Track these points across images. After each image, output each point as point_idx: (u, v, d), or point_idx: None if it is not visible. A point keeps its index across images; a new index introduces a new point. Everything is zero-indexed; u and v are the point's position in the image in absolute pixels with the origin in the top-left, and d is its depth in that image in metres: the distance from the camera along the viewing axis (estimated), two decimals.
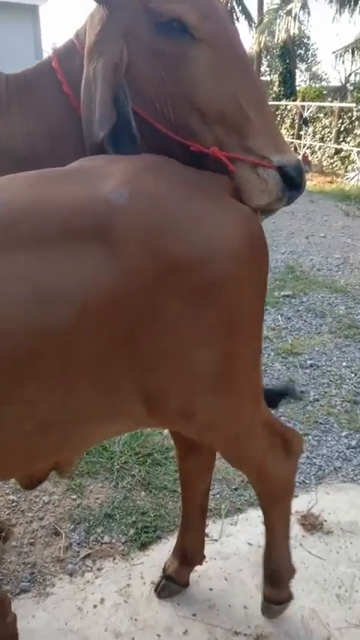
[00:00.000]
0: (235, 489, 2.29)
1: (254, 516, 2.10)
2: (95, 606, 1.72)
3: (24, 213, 0.97)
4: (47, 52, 11.67)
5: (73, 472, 1.40)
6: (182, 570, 1.74)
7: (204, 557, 1.77)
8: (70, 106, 1.28)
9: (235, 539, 1.99)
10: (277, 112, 15.65)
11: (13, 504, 2.17)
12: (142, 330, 1.02)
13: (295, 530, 2.03)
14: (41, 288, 0.94)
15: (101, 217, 0.97)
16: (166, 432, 2.60)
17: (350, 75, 23.26)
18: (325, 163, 13.56)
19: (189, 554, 1.74)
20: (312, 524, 2.05)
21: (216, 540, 2.00)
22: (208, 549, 1.92)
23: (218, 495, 2.24)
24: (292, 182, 1.20)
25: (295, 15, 15.62)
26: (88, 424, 1.12)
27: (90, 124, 1.21)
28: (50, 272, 0.95)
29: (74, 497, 2.22)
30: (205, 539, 1.92)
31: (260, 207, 1.21)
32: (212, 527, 2.05)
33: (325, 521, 2.09)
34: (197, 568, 1.79)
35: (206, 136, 1.23)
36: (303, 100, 16.51)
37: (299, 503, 2.17)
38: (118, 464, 2.39)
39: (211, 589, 1.79)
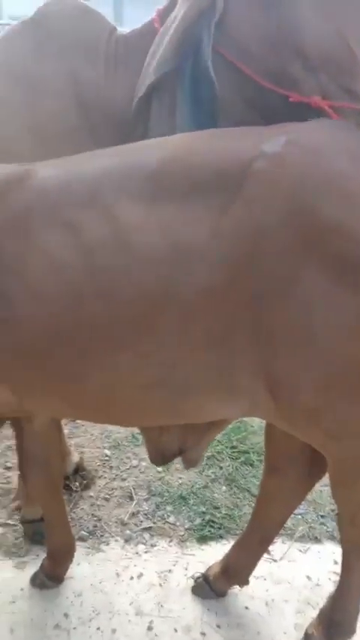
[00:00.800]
0: (322, 516, 2.10)
1: (328, 552, 1.91)
2: (132, 578, 1.77)
3: (173, 167, 0.96)
4: None
5: (198, 465, 1.44)
6: (221, 581, 1.68)
7: (247, 582, 1.68)
8: None
9: (296, 568, 1.84)
10: None
11: (105, 458, 2.33)
12: (276, 301, 0.92)
13: None
14: (178, 241, 0.93)
15: (246, 165, 0.91)
16: None
17: None
18: None
19: (233, 571, 1.66)
20: None
21: (275, 561, 1.87)
22: (264, 567, 1.82)
23: (300, 516, 2.08)
24: None
25: None
26: (200, 393, 1.07)
27: (157, 59, 1.17)
28: (188, 225, 0.93)
29: (160, 470, 2.28)
30: (265, 555, 1.83)
31: None
32: (278, 547, 1.93)
33: None
34: None
35: (308, 84, 1.13)
36: None
37: None
38: (211, 451, 2.37)
39: (247, 608, 1.70)
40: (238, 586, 1.70)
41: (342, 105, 1.12)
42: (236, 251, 0.91)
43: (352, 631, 1.48)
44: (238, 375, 1.01)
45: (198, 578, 1.74)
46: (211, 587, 1.68)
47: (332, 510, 2.09)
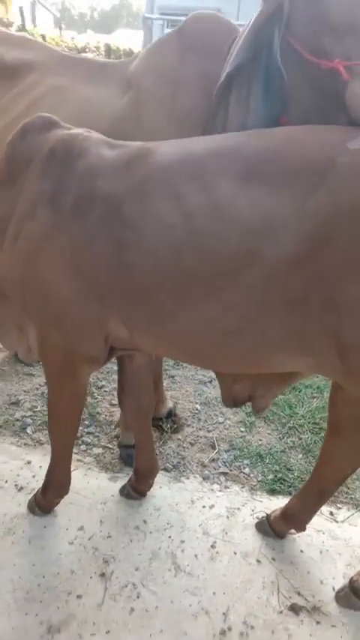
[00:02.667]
0: None
1: None
2: (204, 507, 2.02)
3: (269, 155, 1.18)
4: None
5: (263, 410, 1.68)
6: (280, 522, 1.86)
7: (304, 529, 1.84)
8: None
9: (355, 531, 1.97)
10: None
11: (195, 411, 2.61)
12: (347, 278, 1.10)
13: None
14: (266, 214, 1.13)
15: (332, 158, 1.10)
16: None
17: None
18: None
19: (291, 515, 1.83)
20: None
21: (337, 522, 2.01)
22: (325, 524, 1.99)
23: None
24: None
25: None
26: (275, 347, 1.25)
27: (237, 49, 1.42)
28: (277, 203, 1.13)
29: (243, 429, 2.51)
30: (329, 516, 1.99)
31: None
32: (343, 512, 2.07)
33: None
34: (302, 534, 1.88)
35: (336, 51, 1.27)
36: None
37: None
38: (293, 423, 2.55)
39: (302, 551, 1.87)
40: (295, 531, 1.87)
41: (357, 64, 1.23)
42: (317, 229, 1.09)
43: None
44: (311, 336, 1.18)
45: (261, 517, 1.94)
46: (271, 527, 1.88)
47: None
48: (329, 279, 1.12)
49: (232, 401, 1.61)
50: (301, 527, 1.84)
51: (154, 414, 2.40)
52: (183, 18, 1.73)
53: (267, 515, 1.92)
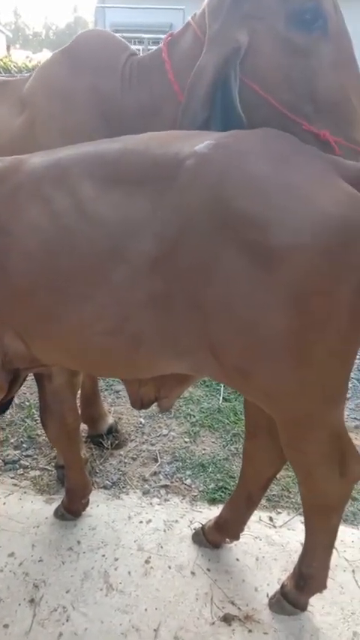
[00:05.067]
0: None
1: None
2: (141, 522, 2.00)
3: (129, 158, 1.20)
4: None
5: (168, 409, 1.68)
6: (214, 533, 1.84)
7: (237, 537, 1.83)
8: (174, 91, 1.49)
9: (293, 535, 1.95)
10: None
11: (139, 425, 2.59)
12: (203, 275, 1.11)
13: (358, 555, 1.87)
14: (127, 214, 1.16)
15: (181, 161, 1.13)
16: None
17: None
18: None
19: (224, 525, 1.82)
20: None
21: (275, 527, 2.00)
22: (263, 530, 1.97)
23: None
24: None
25: None
26: (150, 348, 1.25)
27: (189, 112, 1.39)
28: (136, 203, 1.15)
29: (187, 440, 2.50)
30: (268, 522, 1.98)
31: None
32: (282, 516, 2.05)
33: None
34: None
35: (315, 122, 1.35)
36: None
37: None
38: (238, 429, 2.54)
39: (237, 560, 1.85)
40: (229, 540, 1.85)
41: (342, 142, 1.32)
42: (171, 228, 1.11)
43: (321, 586, 1.58)
44: (182, 336, 1.20)
45: (196, 528, 1.92)
46: (206, 537, 1.86)
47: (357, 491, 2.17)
48: (187, 280, 1.13)
49: (139, 403, 1.61)
50: (234, 536, 1.82)
51: (94, 430, 2.38)
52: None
53: (202, 525, 1.90)
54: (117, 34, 1.76)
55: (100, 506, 2.06)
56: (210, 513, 2.04)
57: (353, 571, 1.81)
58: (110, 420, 2.44)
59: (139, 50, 1.77)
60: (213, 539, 1.84)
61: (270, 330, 1.11)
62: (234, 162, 1.10)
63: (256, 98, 1.36)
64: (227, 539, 1.85)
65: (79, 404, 2.37)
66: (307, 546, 1.55)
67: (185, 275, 1.14)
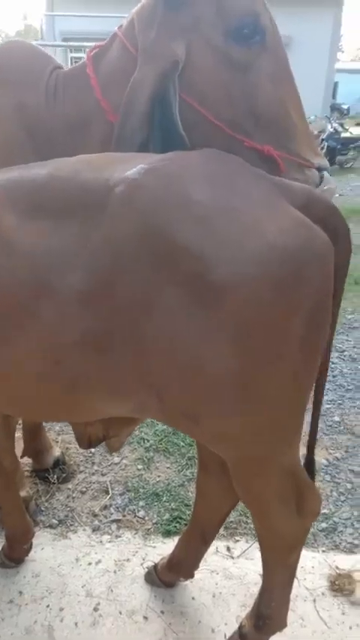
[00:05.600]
0: None
1: None
2: (89, 564, 1.86)
3: (56, 184, 1.08)
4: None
5: (118, 450, 1.57)
6: (166, 572, 1.72)
7: (192, 575, 1.72)
8: (101, 108, 1.37)
9: (251, 566, 1.85)
10: None
11: (89, 455, 2.44)
12: (142, 312, 0.99)
13: (319, 583, 1.78)
14: (52, 247, 1.03)
15: (111, 188, 1.00)
16: None
17: None
18: None
19: (177, 564, 1.71)
20: (341, 586, 1.76)
21: (232, 557, 1.90)
22: (220, 563, 1.86)
23: None
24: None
25: None
26: (87, 392, 1.13)
27: (125, 132, 1.28)
28: (63, 235, 1.03)
29: (140, 467, 2.37)
30: (225, 552, 1.87)
31: None
32: (240, 545, 1.95)
33: None
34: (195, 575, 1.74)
35: (257, 137, 1.28)
36: None
37: (347, 560, 1.88)
38: (193, 452, 2.43)
39: (193, 598, 1.73)
40: (183, 579, 1.74)
41: (286, 156, 1.28)
42: (102, 262, 0.99)
43: (281, 625, 1.48)
44: (123, 378, 1.08)
45: (149, 567, 1.80)
46: (159, 578, 1.74)
47: None
48: (125, 318, 1.01)
49: (86, 443, 1.48)
50: (188, 575, 1.71)
51: (39, 465, 2.23)
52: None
53: (155, 564, 1.78)
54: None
55: (45, 549, 1.91)
56: (164, 548, 1.92)
57: (314, 600, 1.72)
58: (56, 452, 2.30)
59: None
60: (166, 579, 1.72)
61: (216, 371, 1.00)
62: (168, 187, 0.99)
63: (196, 115, 1.27)
64: (182, 578, 1.73)
65: (21, 437, 2.22)
66: (265, 585, 1.45)
67: (122, 312, 1.01)
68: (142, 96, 1.24)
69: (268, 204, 1.01)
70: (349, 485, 2.28)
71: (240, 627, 1.55)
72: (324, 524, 2.06)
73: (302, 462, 1.33)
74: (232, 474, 1.26)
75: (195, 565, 1.69)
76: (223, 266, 0.93)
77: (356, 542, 1.99)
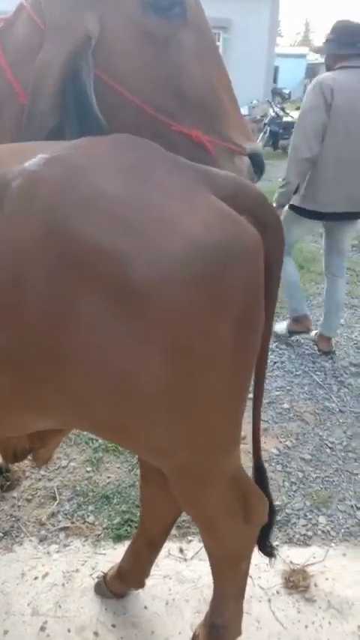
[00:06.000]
0: None
1: None
2: (36, 578, 1.77)
3: None
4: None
5: (46, 462, 1.46)
6: (116, 583, 1.66)
7: (142, 585, 1.66)
8: (13, 91, 1.23)
9: (204, 567, 1.79)
10: None
11: None
12: (57, 321, 0.88)
13: (274, 581, 1.76)
14: None
15: (7, 182, 0.88)
16: None
17: None
18: None
19: (125, 574, 1.64)
20: (296, 583, 1.74)
21: (185, 560, 1.85)
22: (172, 566, 1.81)
23: None
24: (257, 168, 1.24)
25: None
26: (9, 408, 1.04)
27: (34, 117, 1.15)
28: None
29: (89, 469, 2.28)
30: (178, 554, 1.81)
31: None
32: (193, 545, 1.90)
33: (316, 586, 1.75)
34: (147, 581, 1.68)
35: (183, 120, 1.19)
36: None
37: (301, 554, 1.86)
38: None
39: (145, 607, 1.68)
40: (134, 589, 1.68)
41: (216, 142, 1.19)
42: (4, 269, 0.87)
43: (236, 633, 1.45)
44: (43, 394, 0.97)
45: (99, 577, 1.73)
46: (109, 588, 1.67)
47: None
48: (39, 331, 0.89)
49: (12, 456, 1.38)
50: (138, 585, 1.65)
51: None
52: None
53: (104, 575, 1.71)
54: None
55: None
56: (115, 554, 1.85)
57: (269, 600, 1.70)
58: None
59: None
60: (116, 590, 1.66)
61: (143, 382, 0.91)
62: (72, 179, 0.87)
63: (116, 96, 1.16)
64: (132, 588, 1.66)
65: None
66: (217, 596, 1.40)
67: (36, 324, 0.90)
68: (50, 76, 1.11)
69: (188, 195, 0.91)
70: (300, 475, 2.27)
71: (193, 637, 1.50)
72: (277, 517, 2.03)
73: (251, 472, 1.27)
74: (173, 487, 1.19)
75: (144, 574, 1.63)
76: (140, 268, 0.83)
77: (309, 533, 1.98)
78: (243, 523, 1.24)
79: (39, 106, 1.13)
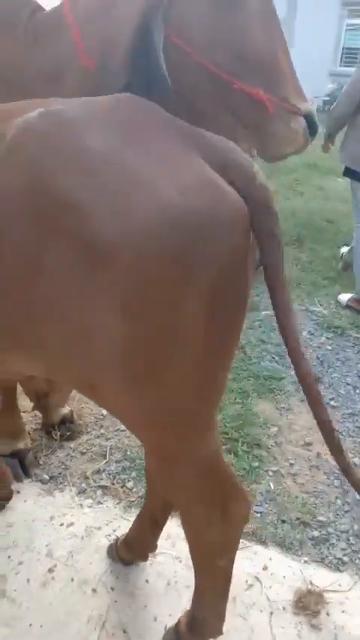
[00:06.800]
0: (283, 521, 1.96)
1: (264, 555, 1.80)
2: (61, 524, 1.88)
3: None
4: None
5: (62, 405, 1.54)
6: (123, 550, 1.70)
7: (145, 559, 1.68)
8: (77, 52, 1.29)
9: None
10: None
11: (100, 418, 2.46)
12: (29, 271, 0.92)
13: (284, 595, 1.66)
14: None
15: (3, 136, 0.93)
16: (279, 423, 2.37)
17: None
18: None
19: (131, 543, 1.67)
20: (306, 605, 1.61)
21: None
22: (186, 550, 1.78)
23: (259, 515, 1.97)
24: (311, 130, 1.30)
25: None
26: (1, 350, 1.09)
27: (107, 75, 1.23)
28: None
29: None
30: None
31: (287, 155, 1.31)
32: None
33: (328, 615, 1.60)
34: (156, 557, 1.70)
35: (244, 80, 1.25)
36: None
37: (326, 577, 1.72)
38: None
39: (147, 581, 1.70)
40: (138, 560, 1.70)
41: (280, 103, 1.24)
42: None
43: (215, 632, 1.40)
44: (21, 341, 1.01)
45: (113, 540, 1.78)
46: (117, 554, 1.71)
47: (297, 519, 1.95)
48: (13, 278, 0.93)
49: (34, 395, 1.48)
50: (142, 557, 1.67)
51: (47, 420, 2.29)
52: None
53: (116, 539, 1.76)
54: None
55: (27, 502, 1.97)
56: None
57: (271, 613, 1.60)
58: (65, 410, 2.33)
59: None
60: (123, 555, 1.70)
61: (105, 339, 0.91)
62: (59, 133, 0.89)
63: (182, 56, 1.22)
64: (136, 559, 1.69)
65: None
66: (196, 589, 1.37)
67: (11, 272, 0.93)
68: (123, 36, 1.17)
69: (172, 158, 0.88)
70: (357, 497, 2.06)
71: (177, 623, 1.49)
72: (315, 533, 1.89)
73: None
74: (149, 465, 1.17)
75: (147, 547, 1.64)
76: (107, 227, 0.83)
77: (345, 559, 1.81)
78: (220, 520, 1.18)
79: (111, 65, 1.19)
